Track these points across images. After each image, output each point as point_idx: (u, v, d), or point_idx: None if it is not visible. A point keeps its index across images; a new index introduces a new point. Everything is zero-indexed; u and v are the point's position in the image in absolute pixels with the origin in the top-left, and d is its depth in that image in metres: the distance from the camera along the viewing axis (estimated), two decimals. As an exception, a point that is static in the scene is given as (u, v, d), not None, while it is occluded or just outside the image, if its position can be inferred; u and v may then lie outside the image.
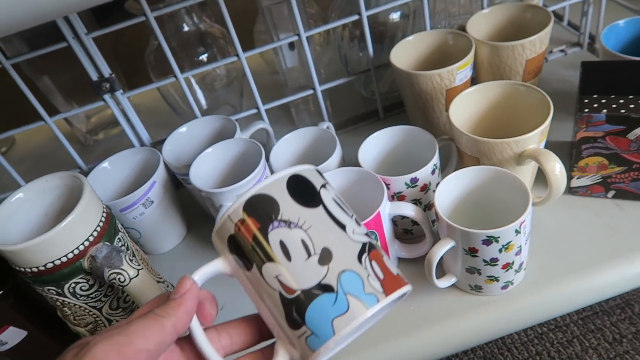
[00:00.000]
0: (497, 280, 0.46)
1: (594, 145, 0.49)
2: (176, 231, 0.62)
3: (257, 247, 0.27)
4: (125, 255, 0.39)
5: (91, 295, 0.41)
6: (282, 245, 0.27)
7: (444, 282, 0.48)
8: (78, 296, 0.40)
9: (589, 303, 0.50)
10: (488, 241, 0.42)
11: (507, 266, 0.45)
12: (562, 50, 0.74)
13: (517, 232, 0.42)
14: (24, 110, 0.60)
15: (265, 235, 0.27)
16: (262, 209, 0.27)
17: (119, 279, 0.38)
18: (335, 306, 0.26)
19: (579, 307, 0.50)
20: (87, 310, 0.42)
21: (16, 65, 0.57)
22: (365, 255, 0.28)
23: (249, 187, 0.50)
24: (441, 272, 0.50)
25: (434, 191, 0.51)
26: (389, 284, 0.27)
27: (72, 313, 0.42)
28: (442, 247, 0.44)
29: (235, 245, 0.28)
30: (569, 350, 0.66)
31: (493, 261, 0.44)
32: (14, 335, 0.48)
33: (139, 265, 0.39)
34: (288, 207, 0.27)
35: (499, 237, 0.42)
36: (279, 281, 0.27)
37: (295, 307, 0.26)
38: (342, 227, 0.28)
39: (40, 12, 0.22)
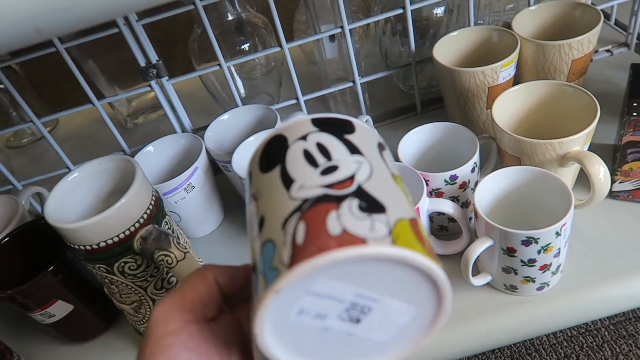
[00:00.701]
0: (533, 281, 0.46)
1: (639, 150, 0.48)
2: (214, 216, 0.63)
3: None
4: (172, 238, 0.40)
5: (138, 275, 0.43)
6: (248, 220, 0.24)
7: (479, 280, 0.48)
8: (126, 275, 0.42)
9: (625, 309, 0.49)
10: (527, 242, 0.42)
11: (545, 268, 0.45)
12: (608, 50, 0.72)
13: (558, 234, 0.42)
14: (65, 90, 0.62)
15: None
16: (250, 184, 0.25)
17: (167, 260, 0.39)
18: (255, 288, 0.21)
19: (613, 312, 0.49)
20: (133, 289, 0.43)
21: (65, 49, 0.59)
22: (296, 215, 0.20)
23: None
24: (476, 270, 0.50)
25: (472, 189, 0.51)
26: (304, 252, 0.19)
27: (119, 291, 0.44)
28: (480, 246, 0.44)
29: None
30: (598, 354, 0.65)
31: (531, 262, 0.44)
32: (61, 309, 0.51)
33: (185, 248, 0.41)
34: (256, 177, 0.24)
35: (538, 239, 0.42)
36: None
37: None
38: (288, 184, 0.22)
39: (105, 12, 0.23)
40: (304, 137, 0.24)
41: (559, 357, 0.68)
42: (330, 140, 0.24)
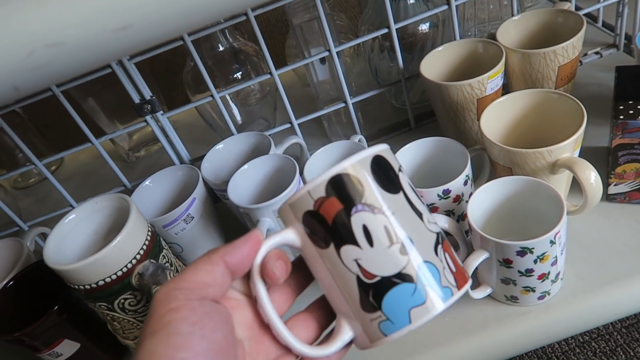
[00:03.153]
0: (534, 291, 0.46)
1: (630, 152, 0.48)
2: (216, 244, 0.64)
3: (338, 227, 0.27)
4: (169, 272, 0.41)
5: (139, 310, 0.43)
6: (365, 230, 0.27)
7: (479, 293, 0.48)
8: (127, 311, 0.43)
9: (630, 313, 0.49)
10: (522, 252, 0.42)
11: (543, 277, 0.45)
12: (597, 53, 0.72)
13: (552, 242, 0.42)
14: (71, 127, 0.63)
15: (348, 217, 0.27)
16: (346, 189, 0.27)
17: (165, 294, 0.40)
18: (413, 296, 0.26)
19: (619, 317, 0.49)
20: (135, 324, 0.44)
21: (64, 89, 0.60)
22: (440, 246, 0.28)
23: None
24: (476, 282, 0.50)
25: (466, 202, 0.51)
26: (460, 277, 0.28)
27: (122, 327, 0.44)
28: (476, 259, 0.44)
29: (312, 222, 0.27)
30: (612, 359, 0.64)
31: (528, 272, 0.44)
32: (68, 348, 0.51)
33: (182, 281, 0.41)
34: (372, 191, 0.27)
35: (533, 248, 0.42)
36: (358, 265, 0.27)
37: (373, 292, 0.27)
38: (420, 215, 0.28)
39: (101, 57, 0.24)
40: (400, 169, 0.29)
41: (572, 364, 0.67)
42: (409, 179, 0.30)
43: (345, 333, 0.28)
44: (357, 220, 0.27)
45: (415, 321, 0.26)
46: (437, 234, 0.28)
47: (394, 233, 0.27)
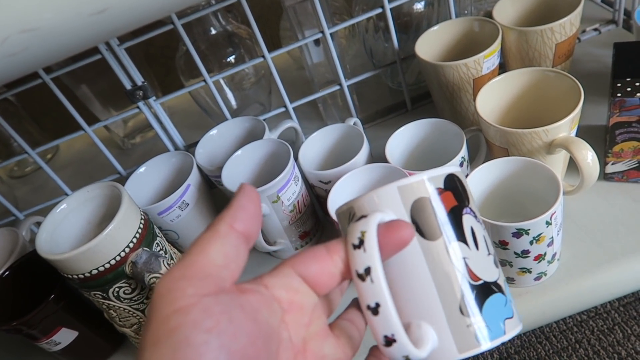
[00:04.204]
0: (530, 272, 0.46)
1: (628, 130, 0.48)
2: (212, 230, 0.64)
3: (452, 221, 0.26)
4: (163, 260, 0.41)
5: (134, 298, 0.43)
6: (472, 232, 0.27)
7: (475, 275, 0.48)
8: (122, 299, 0.43)
9: (627, 292, 0.49)
10: (518, 234, 0.42)
11: (539, 258, 0.44)
12: (595, 29, 0.71)
13: (548, 223, 0.42)
14: (67, 116, 0.63)
15: (460, 214, 0.26)
16: (459, 189, 0.27)
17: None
18: (505, 308, 0.27)
19: (616, 296, 0.49)
20: (130, 312, 0.44)
21: (54, 77, 0.59)
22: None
23: (279, 187, 0.51)
24: (473, 264, 0.50)
25: (462, 184, 0.51)
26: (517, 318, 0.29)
27: (117, 315, 0.44)
28: (472, 241, 0.44)
29: (423, 210, 0.26)
30: (610, 337, 0.65)
31: (524, 253, 0.44)
32: (66, 336, 0.51)
33: (176, 268, 0.41)
34: (473, 200, 0.28)
35: (529, 230, 0.42)
36: (465, 264, 0.26)
37: (476, 295, 0.26)
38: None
39: (78, 43, 0.24)
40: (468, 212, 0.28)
41: (570, 342, 0.67)
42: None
43: (432, 339, 0.26)
44: (467, 221, 0.27)
45: (508, 332, 0.26)
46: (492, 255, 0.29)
47: (489, 245, 0.28)
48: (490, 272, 0.27)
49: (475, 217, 0.27)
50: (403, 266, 0.26)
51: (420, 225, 0.26)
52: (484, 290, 0.26)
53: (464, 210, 0.26)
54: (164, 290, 0.19)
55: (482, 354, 0.68)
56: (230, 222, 0.21)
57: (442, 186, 0.26)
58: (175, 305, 0.19)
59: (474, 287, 0.26)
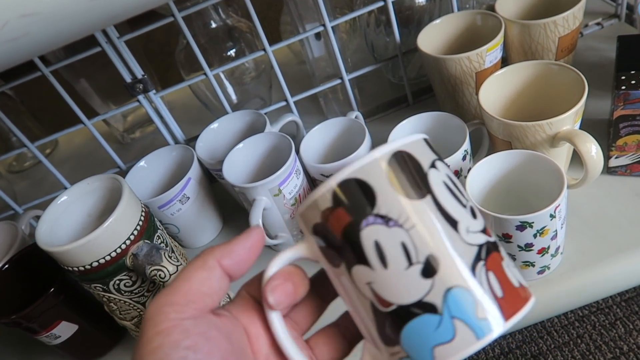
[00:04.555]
0: (533, 266, 0.46)
1: (632, 123, 0.47)
2: (213, 225, 0.64)
3: (347, 244, 0.22)
4: (164, 252, 0.41)
5: (135, 291, 0.43)
6: (378, 247, 0.22)
7: (478, 269, 0.48)
8: (122, 292, 0.42)
9: (631, 286, 0.49)
10: (522, 227, 0.42)
11: (543, 251, 0.44)
12: (598, 24, 0.71)
13: (552, 216, 0.41)
14: (66, 111, 0.63)
15: (357, 231, 0.22)
16: (355, 198, 0.22)
17: (160, 275, 0.40)
18: (438, 331, 0.21)
19: (619, 290, 0.48)
20: (131, 305, 0.44)
21: (55, 70, 0.59)
22: (481, 263, 0.22)
23: (281, 180, 0.51)
24: (475, 258, 0.50)
25: (465, 177, 0.51)
26: (509, 304, 0.22)
27: (118, 308, 0.44)
28: (475, 234, 0.44)
29: (323, 236, 0.23)
30: (611, 332, 0.64)
31: (528, 247, 0.43)
32: (66, 329, 0.51)
33: (177, 261, 0.41)
34: (387, 197, 0.22)
35: (533, 223, 0.41)
36: (371, 289, 0.22)
37: (390, 323, 0.22)
38: (454, 224, 0.22)
39: (78, 29, 0.23)
40: (434, 165, 0.23)
41: (571, 337, 0.67)
42: (450, 172, 0.25)
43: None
44: (368, 236, 0.22)
45: None
46: (480, 246, 0.22)
47: (414, 250, 0.22)
48: (409, 290, 0.22)
49: (387, 221, 0.22)
50: (335, 287, 0.25)
51: (326, 250, 0.24)
52: (398, 317, 0.22)
53: (363, 224, 0.22)
54: (150, 315, 0.22)
55: (482, 348, 0.68)
56: (219, 257, 0.24)
57: (330, 204, 0.22)
58: (158, 327, 0.21)
59: (385, 315, 0.22)
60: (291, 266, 0.25)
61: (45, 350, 0.59)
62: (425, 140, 0.25)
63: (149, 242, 0.42)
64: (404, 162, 0.23)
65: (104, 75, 0.82)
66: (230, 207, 0.67)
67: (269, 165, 0.57)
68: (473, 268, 0.22)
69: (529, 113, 0.52)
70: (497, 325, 0.21)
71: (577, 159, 0.51)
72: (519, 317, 0.22)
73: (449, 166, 0.25)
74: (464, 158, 0.50)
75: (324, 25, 0.61)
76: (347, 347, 0.27)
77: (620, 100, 0.46)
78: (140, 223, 0.42)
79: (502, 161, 0.47)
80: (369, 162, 0.22)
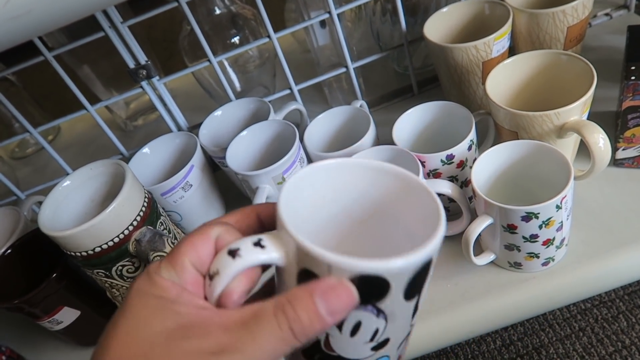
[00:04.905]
0: (538, 257, 0.45)
1: (641, 115, 0.47)
2: (215, 213, 0.63)
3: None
4: (167, 239, 0.40)
5: (137, 277, 0.43)
6: (357, 325, 0.24)
7: (482, 260, 0.47)
8: (125, 278, 0.42)
9: (634, 279, 0.48)
10: (527, 217, 0.41)
11: (548, 242, 0.44)
12: (607, 14, 0.70)
13: (558, 207, 0.41)
14: (68, 98, 0.62)
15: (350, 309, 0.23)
16: (368, 290, 0.22)
17: (163, 261, 0.39)
18: None
19: (623, 283, 0.48)
20: (134, 291, 0.44)
21: (57, 56, 0.59)
22: (406, 341, 0.27)
23: (285, 168, 0.51)
24: (479, 249, 0.50)
25: (470, 167, 0.50)
26: None
27: (120, 294, 0.44)
28: (480, 225, 0.43)
29: (308, 279, 0.23)
30: (614, 326, 0.64)
31: (533, 238, 0.43)
32: (68, 315, 0.51)
33: (180, 247, 0.41)
34: (394, 299, 0.23)
35: (538, 214, 0.41)
36: (327, 335, 0.24)
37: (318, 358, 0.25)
38: (414, 315, 0.26)
39: (81, 7, 0.23)
40: (432, 264, 0.24)
41: (574, 330, 0.67)
42: None
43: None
44: (356, 316, 0.23)
45: None
46: (412, 326, 0.27)
47: (380, 335, 0.25)
48: (357, 352, 0.25)
49: (377, 314, 0.24)
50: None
51: (301, 280, 0.24)
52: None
53: (360, 308, 0.23)
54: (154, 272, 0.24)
55: (483, 339, 0.68)
56: (221, 233, 0.25)
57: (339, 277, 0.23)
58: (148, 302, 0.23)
59: (323, 354, 0.25)
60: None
61: (48, 335, 0.59)
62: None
63: (152, 228, 0.41)
64: (423, 271, 0.23)
65: (106, 62, 0.82)
66: (233, 195, 0.66)
67: (273, 153, 0.57)
68: (401, 344, 0.27)
69: (536, 103, 0.51)
70: None
71: (584, 150, 0.51)
72: None
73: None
74: (469, 148, 0.49)
75: (329, 12, 0.60)
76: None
77: (629, 90, 0.46)
78: (144, 209, 0.42)
79: (508, 151, 0.47)
80: (401, 268, 0.22)
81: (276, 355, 0.22)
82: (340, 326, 0.24)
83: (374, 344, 0.25)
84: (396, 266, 0.22)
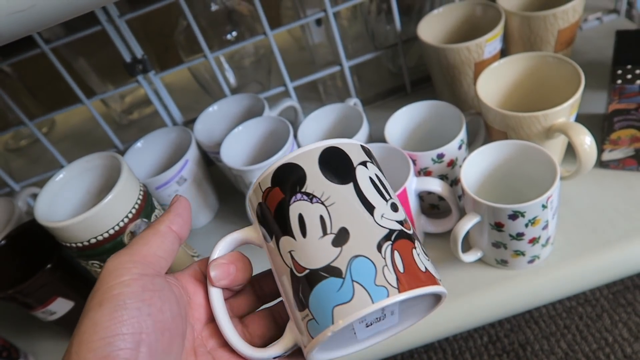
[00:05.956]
0: (524, 255, 0.46)
1: (626, 118, 0.48)
2: (209, 207, 0.64)
3: (278, 218, 0.26)
4: (161, 231, 0.41)
5: (131, 269, 0.43)
6: (300, 219, 0.25)
7: (470, 257, 0.48)
8: (119, 269, 0.43)
9: (619, 277, 0.49)
10: (514, 216, 0.42)
11: (534, 240, 0.45)
12: (598, 18, 0.71)
13: (544, 207, 0.42)
14: (62, 91, 0.63)
15: (287, 206, 0.26)
16: (289, 178, 0.26)
17: (157, 253, 0.40)
18: (339, 292, 0.24)
19: (606, 281, 0.49)
20: (128, 282, 0.44)
21: (53, 48, 0.59)
22: (388, 243, 0.25)
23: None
24: (467, 246, 0.51)
25: (461, 166, 0.51)
26: (409, 280, 0.24)
27: (115, 285, 0.45)
28: (468, 222, 0.44)
29: (262, 214, 0.27)
30: (598, 324, 0.66)
31: (519, 236, 0.44)
32: (62, 306, 0.52)
33: (174, 240, 0.42)
34: (315, 179, 0.26)
35: (525, 212, 0.42)
36: (291, 257, 0.25)
37: (302, 287, 0.25)
38: (370, 208, 0.26)
39: (85, 2, 0.23)
40: (364, 164, 0.27)
41: (559, 327, 0.68)
42: (381, 175, 0.28)
43: (288, 338, 0.27)
44: (295, 210, 0.25)
45: (337, 321, 0.24)
46: (391, 230, 0.25)
47: (330, 223, 0.25)
48: (320, 256, 0.24)
49: (311, 198, 0.25)
50: (272, 268, 0.28)
51: (263, 228, 0.27)
52: (310, 280, 0.25)
53: (292, 200, 0.26)
54: (112, 267, 0.24)
55: (470, 336, 0.70)
56: (168, 224, 0.27)
57: (269, 184, 0.26)
58: (120, 278, 0.24)
59: (299, 280, 0.25)
60: (238, 252, 0.28)
61: (42, 326, 0.59)
62: (363, 146, 0.29)
63: (146, 220, 0.42)
64: (335, 155, 0.27)
65: (102, 55, 0.82)
66: (227, 190, 0.67)
67: (267, 149, 0.57)
68: (380, 244, 0.25)
69: (525, 104, 0.52)
70: (392, 294, 0.24)
71: (571, 152, 0.52)
72: (418, 294, 0.24)
73: (382, 173, 0.29)
74: (459, 147, 0.50)
75: (325, 11, 0.61)
76: (278, 330, 0.29)
77: (615, 93, 0.47)
78: (139, 201, 0.42)
79: (497, 151, 0.48)
80: (306, 151, 0.26)
81: None
82: (292, 232, 0.25)
83: (330, 236, 0.25)
84: (298, 152, 0.26)
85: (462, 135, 0.50)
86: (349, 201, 0.26)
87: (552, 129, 0.47)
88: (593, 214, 0.50)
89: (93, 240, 0.40)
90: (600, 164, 0.53)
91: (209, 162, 0.64)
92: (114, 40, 0.58)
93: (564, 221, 0.50)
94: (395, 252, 0.25)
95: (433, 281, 0.25)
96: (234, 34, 0.74)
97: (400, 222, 0.26)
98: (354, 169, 0.27)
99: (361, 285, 0.24)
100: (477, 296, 0.48)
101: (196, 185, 0.60)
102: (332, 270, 0.24)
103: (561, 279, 0.48)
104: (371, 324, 0.26)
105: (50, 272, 0.49)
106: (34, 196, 0.68)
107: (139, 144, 0.61)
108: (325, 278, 0.24)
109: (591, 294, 0.69)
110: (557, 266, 0.48)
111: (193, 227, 0.64)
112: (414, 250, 0.26)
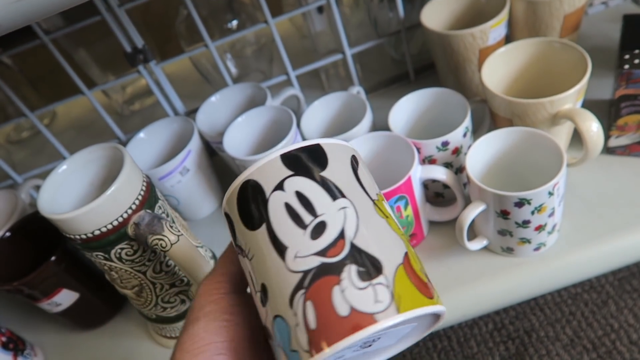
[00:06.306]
0: (530, 242, 0.46)
1: (634, 103, 0.48)
2: (213, 197, 0.64)
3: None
4: (165, 222, 0.41)
5: (136, 260, 0.43)
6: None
7: (475, 245, 0.48)
8: (124, 261, 0.43)
9: (625, 264, 0.49)
10: (520, 204, 0.42)
11: (540, 228, 0.45)
12: (604, 3, 0.70)
13: (550, 194, 0.42)
14: (63, 82, 0.62)
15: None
16: (229, 228, 0.25)
17: (161, 244, 0.40)
18: (276, 354, 0.23)
19: (612, 268, 0.49)
20: (132, 274, 0.44)
21: (53, 39, 0.58)
22: (301, 293, 0.21)
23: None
24: (472, 234, 0.50)
25: (465, 154, 0.51)
26: (322, 336, 0.20)
27: (119, 277, 0.44)
28: (473, 211, 0.44)
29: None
30: (603, 310, 0.66)
31: (525, 223, 0.44)
32: (67, 297, 0.52)
33: (179, 231, 0.41)
34: (239, 229, 0.24)
35: (531, 200, 0.42)
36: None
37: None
38: (282, 251, 0.22)
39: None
40: (280, 186, 0.23)
41: (564, 314, 0.68)
42: (309, 187, 0.23)
43: None
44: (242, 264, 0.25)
45: None
46: (305, 272, 0.21)
47: (254, 280, 0.23)
48: (261, 315, 0.24)
49: (241, 251, 0.25)
50: None
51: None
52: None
53: (238, 254, 0.25)
54: (202, 291, 0.27)
55: (476, 323, 0.70)
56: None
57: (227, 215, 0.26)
58: (210, 298, 0.27)
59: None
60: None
61: (47, 317, 0.60)
62: (283, 156, 0.24)
63: (150, 211, 0.42)
64: (248, 193, 0.24)
65: (103, 45, 0.81)
66: (230, 180, 0.66)
67: (270, 139, 0.57)
68: (292, 297, 0.21)
69: (531, 91, 0.52)
70: (304, 358, 0.21)
71: (577, 138, 0.51)
72: (338, 349, 0.20)
73: (306, 181, 0.24)
74: (464, 135, 0.50)
75: (327, -2, 0.60)
76: None
77: (622, 79, 0.46)
78: (142, 193, 0.42)
79: (502, 138, 0.47)
80: (231, 192, 0.25)
81: None
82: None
83: (258, 295, 0.23)
84: (229, 193, 0.25)
85: (467, 122, 0.50)
86: (262, 250, 0.23)
87: (558, 116, 0.46)
88: (600, 200, 0.50)
89: (97, 232, 0.40)
90: (607, 150, 0.53)
91: (212, 152, 0.63)
92: (114, 30, 0.57)
93: (570, 208, 0.50)
94: (308, 304, 0.21)
95: (359, 322, 0.20)
96: (235, 22, 0.73)
97: (323, 251, 0.22)
98: (266, 203, 0.23)
99: (283, 351, 0.22)
100: (483, 284, 0.48)
101: (199, 176, 0.59)
102: (268, 332, 0.23)
103: (567, 266, 0.47)
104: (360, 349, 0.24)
105: (55, 264, 0.49)
106: (37, 188, 0.68)
107: (141, 135, 0.61)
108: (270, 337, 0.24)
109: (597, 281, 0.69)
110: (563, 253, 0.48)
111: (196, 217, 0.64)
112: (335, 288, 0.21)
